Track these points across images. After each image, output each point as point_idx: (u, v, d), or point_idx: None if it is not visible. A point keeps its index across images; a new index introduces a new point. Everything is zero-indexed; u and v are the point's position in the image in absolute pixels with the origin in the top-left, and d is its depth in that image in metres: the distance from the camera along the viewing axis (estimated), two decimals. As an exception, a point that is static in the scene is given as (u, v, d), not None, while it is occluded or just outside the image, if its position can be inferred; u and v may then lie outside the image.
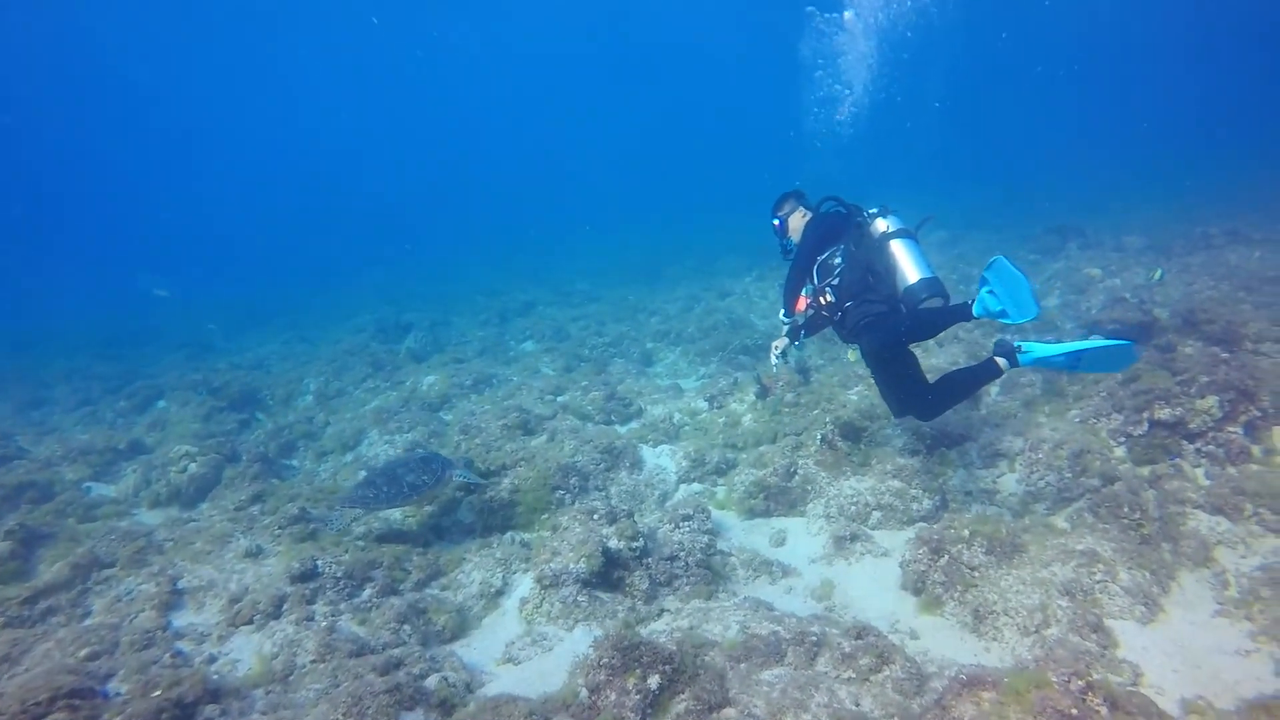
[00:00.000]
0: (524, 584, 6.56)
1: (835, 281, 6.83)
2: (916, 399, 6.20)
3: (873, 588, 6.34)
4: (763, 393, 9.79)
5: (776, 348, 7.50)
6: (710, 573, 6.47)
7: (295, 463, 10.47)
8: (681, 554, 6.48)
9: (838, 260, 6.82)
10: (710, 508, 7.55)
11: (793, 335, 7.52)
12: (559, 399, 10.77)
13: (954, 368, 8.19)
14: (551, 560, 6.14)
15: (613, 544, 6.17)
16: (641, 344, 14.13)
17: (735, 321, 15.00)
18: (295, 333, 19.29)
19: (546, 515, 7.61)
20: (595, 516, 6.57)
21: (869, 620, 5.45)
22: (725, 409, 10.05)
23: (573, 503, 7.76)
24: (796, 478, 7.96)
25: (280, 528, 7.24)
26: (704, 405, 10.34)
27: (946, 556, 5.82)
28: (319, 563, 6.39)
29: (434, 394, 11.44)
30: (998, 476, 7.40)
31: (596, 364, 12.44)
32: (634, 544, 6.22)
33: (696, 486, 8.51)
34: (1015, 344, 6.07)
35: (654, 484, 8.43)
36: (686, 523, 7.10)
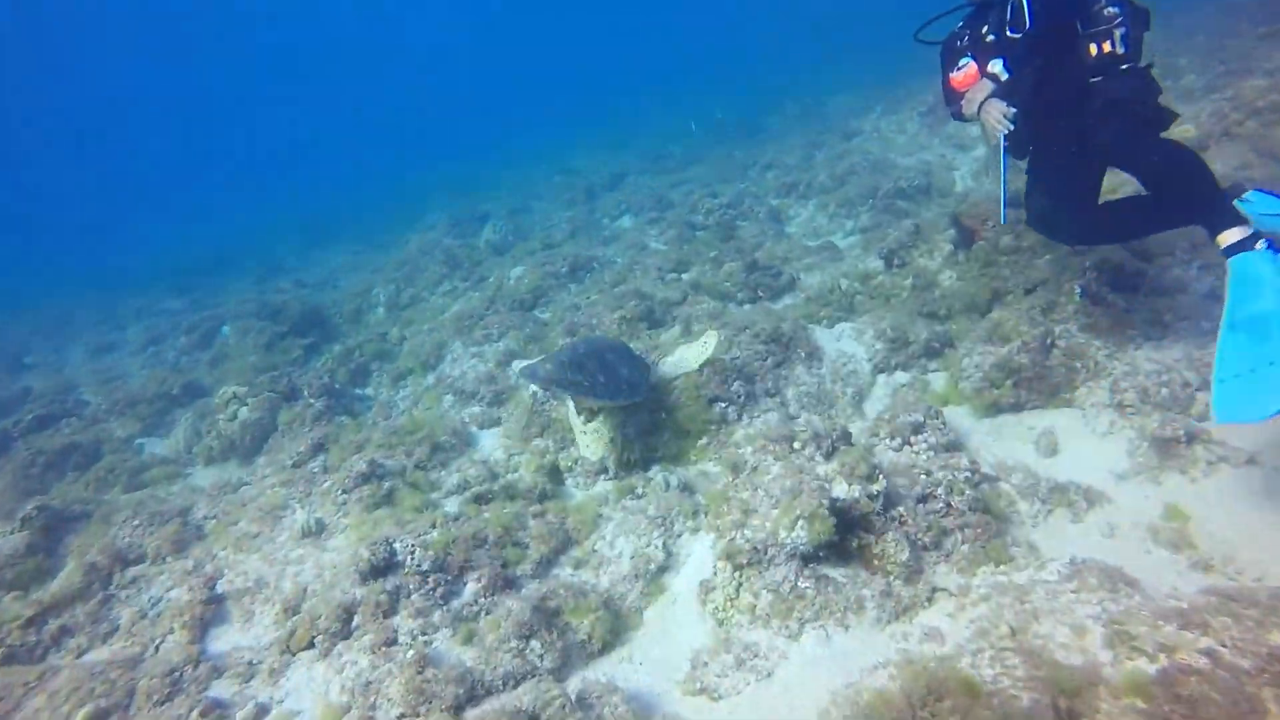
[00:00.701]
0: (696, 551, 4.35)
1: (1122, 30, 4.24)
2: (1079, 213, 4.62)
3: (1260, 524, 3.79)
4: (964, 238, 6.99)
5: (996, 116, 4.66)
6: (990, 517, 4.05)
7: (369, 390, 8.56)
8: (939, 491, 4.06)
9: (1114, 9, 4.34)
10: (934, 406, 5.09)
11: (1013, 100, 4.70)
12: (684, 277, 8.28)
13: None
14: (745, 524, 3.84)
15: (841, 491, 3.79)
16: (765, 202, 11.36)
17: (875, 163, 11.93)
18: (365, 241, 17.37)
19: (705, 440, 5.32)
20: (798, 444, 4.20)
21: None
22: (911, 266, 7.33)
23: (739, 417, 5.43)
24: (1055, 351, 5.32)
25: (345, 491, 5.27)
26: (878, 265, 7.64)
27: None
28: (397, 547, 4.34)
29: (524, 288, 9.18)
30: None
31: (719, 230, 9.81)
32: (873, 487, 3.83)
33: (902, 376, 5.99)
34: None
35: (843, 378, 5.96)
36: (919, 436, 4.68)
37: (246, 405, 7.19)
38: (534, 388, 5.77)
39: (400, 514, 5.02)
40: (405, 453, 5.78)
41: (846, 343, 6.40)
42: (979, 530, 3.85)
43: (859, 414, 5.67)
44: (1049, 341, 5.36)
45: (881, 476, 3.89)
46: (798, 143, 15.07)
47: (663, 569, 4.33)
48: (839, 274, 7.73)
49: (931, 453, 4.55)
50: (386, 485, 5.34)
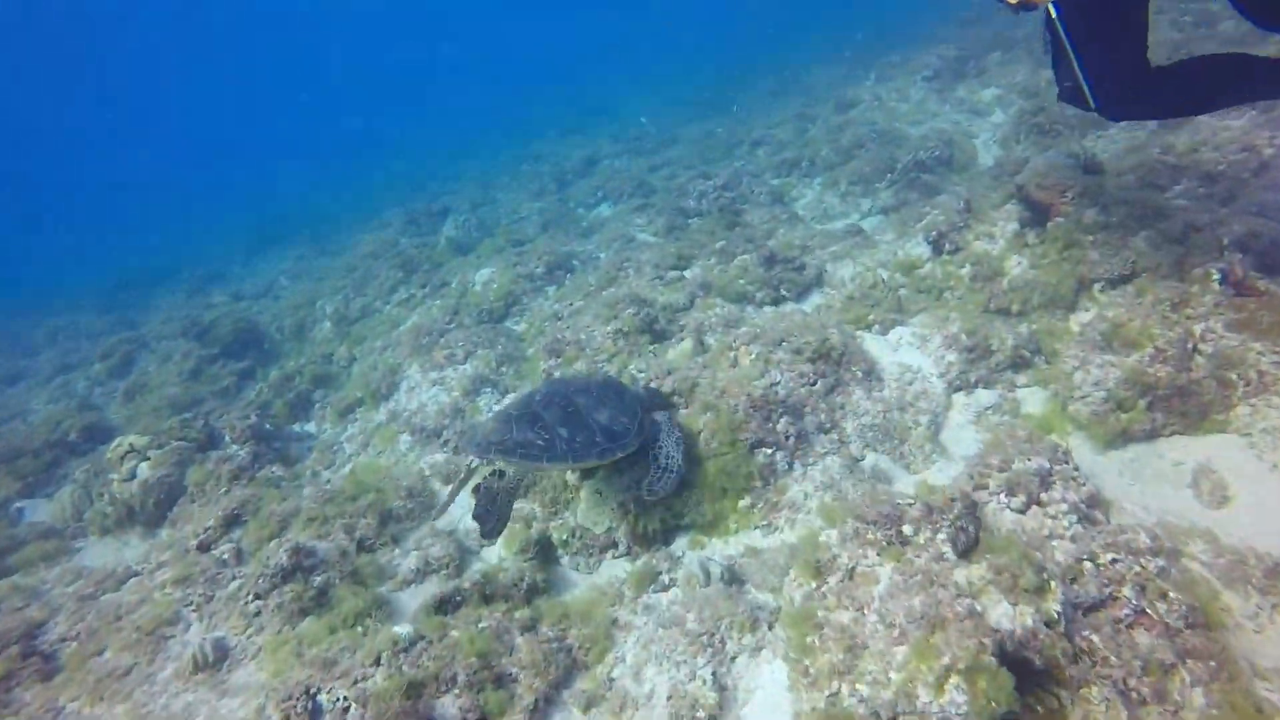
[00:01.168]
0: (763, 685, 2.98)
1: None
2: (1131, 78, 3.63)
3: None
4: (1034, 214, 5.73)
5: None
6: (1211, 637, 2.72)
7: (311, 426, 7.07)
8: (1127, 592, 2.73)
9: None
10: (1046, 438, 3.81)
11: None
12: (687, 274, 6.88)
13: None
14: (853, 670, 2.48)
15: (1005, 617, 2.44)
16: (764, 182, 9.99)
17: (883, 134, 10.60)
18: (315, 245, 15.70)
19: (749, 500, 3.96)
20: (910, 529, 2.85)
21: None
22: (966, 252, 6.03)
23: (789, 465, 4.07)
24: (1199, 359, 4.06)
25: (258, 595, 3.81)
26: (922, 251, 6.32)
27: None
28: (323, 700, 2.92)
29: (493, 295, 7.72)
30: None
31: (720, 217, 8.42)
32: (1049, 605, 2.49)
33: (985, 396, 4.69)
34: None
35: (912, 403, 4.63)
36: (1050, 491, 3.38)
37: (148, 460, 5.67)
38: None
39: (335, 627, 3.59)
40: (345, 529, 4.33)
41: (907, 353, 5.07)
42: (1209, 663, 2.53)
43: (939, 451, 4.35)
44: (1190, 346, 4.09)
45: (1056, 584, 2.55)
46: (785, 116, 13.71)
47: (720, 709, 2.96)
48: (875, 264, 6.40)
49: (1075, 518, 3.24)
50: (318, 581, 3.90)
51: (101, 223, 32.55)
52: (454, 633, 3.30)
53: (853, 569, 2.78)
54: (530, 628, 3.42)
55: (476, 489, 3.59)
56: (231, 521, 4.74)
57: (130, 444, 5.75)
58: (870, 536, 2.84)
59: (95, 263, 22.36)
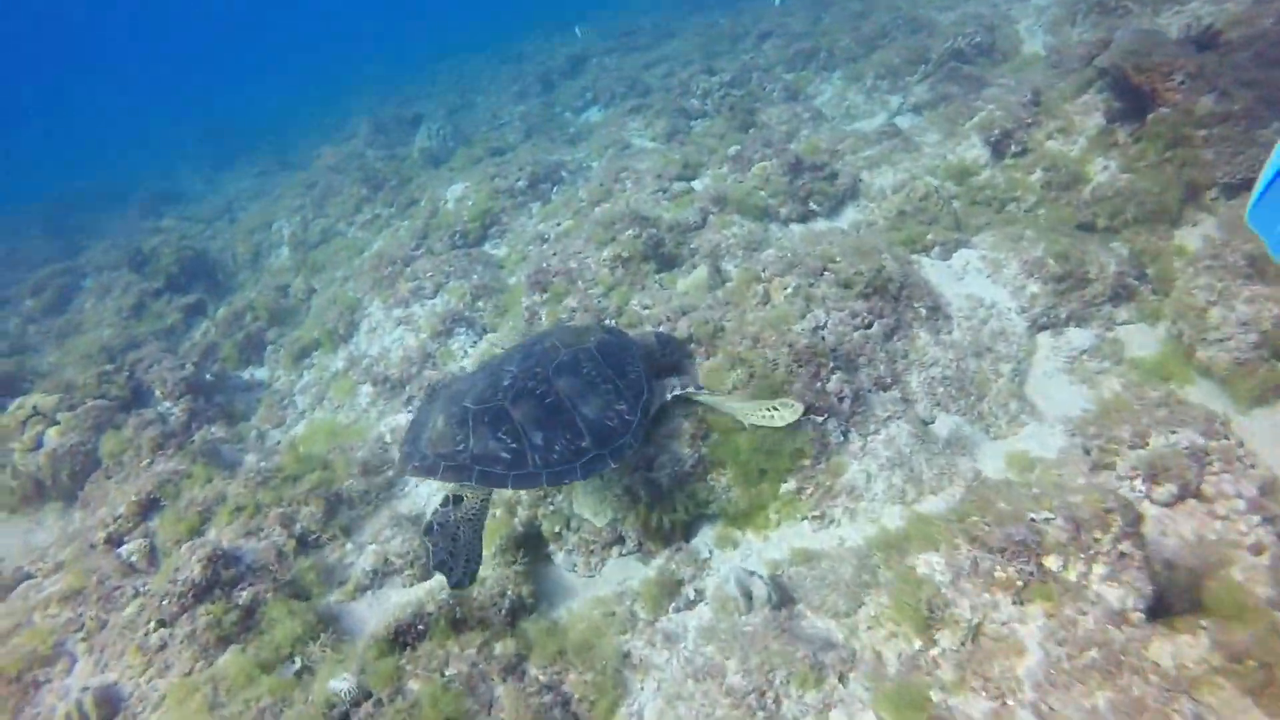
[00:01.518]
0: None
1: None
2: None
3: None
4: (1127, 105, 4.66)
5: None
6: None
7: (264, 372, 6.12)
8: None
9: None
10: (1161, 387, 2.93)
11: None
12: (696, 185, 5.79)
13: None
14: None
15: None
16: (778, 76, 8.71)
17: (910, 21, 9.25)
18: (279, 159, 14.31)
19: (793, 483, 3.06)
20: (1056, 563, 1.96)
21: None
22: (1037, 153, 4.98)
23: (844, 436, 3.16)
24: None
25: (165, 621, 2.94)
26: (979, 154, 5.25)
27: None
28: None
29: (468, 214, 6.62)
30: None
31: (730, 117, 7.22)
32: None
33: (1079, 336, 3.74)
34: None
35: (988, 346, 3.68)
36: (1215, 476, 2.49)
37: (56, 425, 4.73)
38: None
39: (264, 664, 2.75)
40: (283, 520, 3.44)
41: (976, 282, 4.08)
42: None
43: (1027, 409, 3.44)
44: (1366, 273, 3.13)
45: (1309, 663, 1.67)
46: (798, 3, 12.20)
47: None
48: (921, 170, 5.33)
49: (1259, 519, 2.36)
50: (244, 597, 3.03)
51: (61, 138, 30.47)
52: (413, 684, 2.45)
53: (977, 626, 1.90)
54: (514, 668, 2.58)
55: (429, 529, 2.67)
56: (148, 507, 3.84)
57: (34, 406, 4.80)
58: (1000, 574, 1.94)
59: (53, 180, 20.73)
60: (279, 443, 4.95)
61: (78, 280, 9.26)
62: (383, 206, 8.11)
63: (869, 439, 3.15)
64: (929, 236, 4.35)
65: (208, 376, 5.49)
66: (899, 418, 3.24)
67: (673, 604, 2.81)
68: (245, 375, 6.10)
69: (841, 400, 3.20)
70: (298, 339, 6.08)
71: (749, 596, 2.56)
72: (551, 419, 2.69)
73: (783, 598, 2.61)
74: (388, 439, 4.19)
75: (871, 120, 7.29)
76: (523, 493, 3.33)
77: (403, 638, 2.71)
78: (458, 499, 2.68)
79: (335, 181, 9.29)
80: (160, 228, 10.63)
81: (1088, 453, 2.77)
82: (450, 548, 2.60)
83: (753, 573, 2.64)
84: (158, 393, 5.17)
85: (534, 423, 2.66)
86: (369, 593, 3.27)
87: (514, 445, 2.60)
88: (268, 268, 8.39)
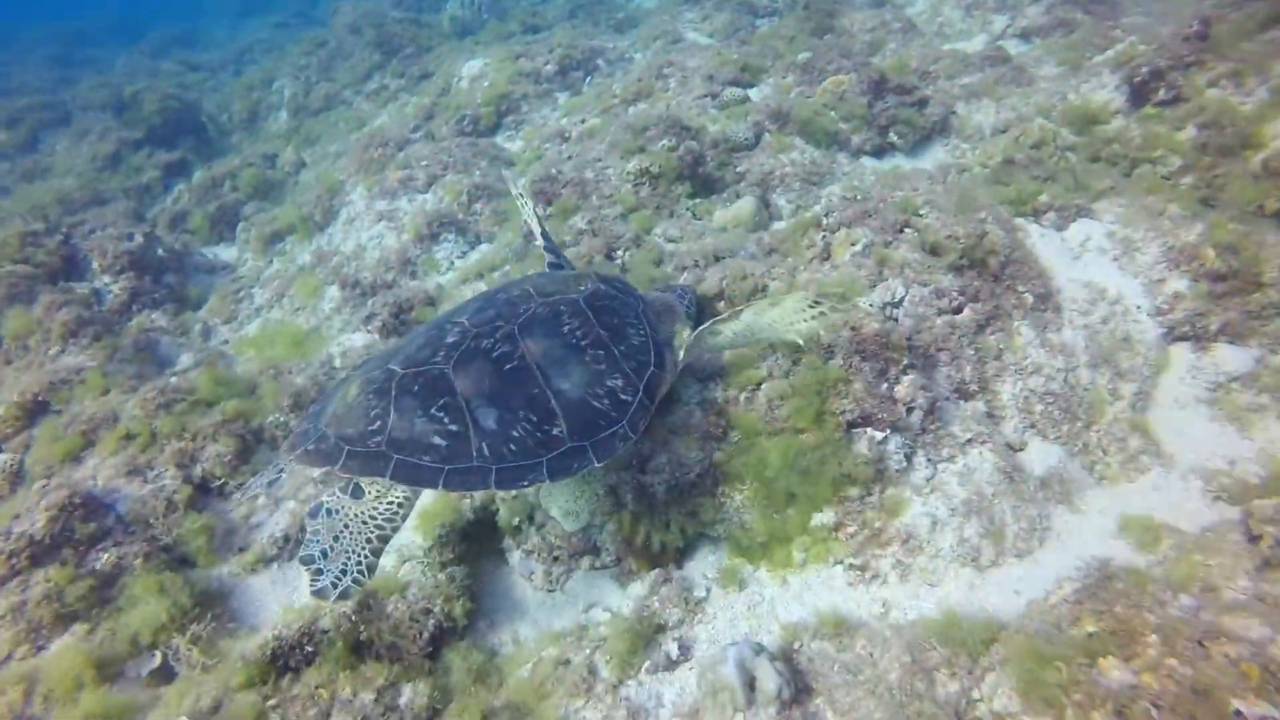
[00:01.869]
0: None
1: None
2: None
3: None
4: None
5: None
6: None
7: (232, 253, 5.36)
8: None
9: None
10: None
11: None
12: (753, 95, 4.77)
13: None
14: None
15: None
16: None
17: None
18: (301, 9, 13.12)
19: (832, 514, 2.27)
20: None
21: None
22: (1193, 102, 4.00)
23: (907, 460, 2.35)
24: None
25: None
26: (1111, 97, 4.27)
27: None
28: None
29: (483, 97, 5.65)
30: None
31: (802, 16, 6.04)
32: None
33: (1232, 356, 2.93)
34: None
35: (1106, 355, 2.82)
36: None
37: (-34, 289, 4.02)
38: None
39: (107, 658, 2.10)
40: (180, 457, 2.74)
41: (1097, 264, 3.17)
42: None
43: (1149, 448, 2.60)
44: None
45: None
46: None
47: None
48: (1033, 110, 4.29)
49: None
50: (101, 562, 2.36)
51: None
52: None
53: None
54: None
55: (315, 510, 1.92)
56: (35, 412, 3.16)
57: (-59, 264, 4.08)
58: None
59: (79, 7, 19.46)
60: (226, 342, 4.25)
61: (60, 116, 8.41)
62: (392, 77, 7.10)
63: (940, 469, 2.34)
64: (1042, 198, 3.39)
65: (159, 251, 4.73)
66: (984, 441, 2.42)
67: (648, 660, 2.09)
68: (209, 254, 5.34)
69: (910, 411, 2.38)
70: (273, 219, 5.28)
71: (751, 687, 1.83)
72: (512, 393, 1.91)
73: (798, 689, 1.87)
74: (336, 363, 3.44)
75: (970, 40, 6.12)
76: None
77: (283, 660, 2.03)
78: (357, 488, 1.92)
79: (348, 43, 8.23)
80: (157, 69, 9.65)
81: (1254, 540, 1.96)
82: (330, 544, 1.87)
83: (760, 649, 1.90)
84: (95, 264, 4.43)
85: (485, 397, 1.89)
86: (274, 565, 2.59)
87: (453, 428, 1.84)
88: (263, 131, 7.51)
